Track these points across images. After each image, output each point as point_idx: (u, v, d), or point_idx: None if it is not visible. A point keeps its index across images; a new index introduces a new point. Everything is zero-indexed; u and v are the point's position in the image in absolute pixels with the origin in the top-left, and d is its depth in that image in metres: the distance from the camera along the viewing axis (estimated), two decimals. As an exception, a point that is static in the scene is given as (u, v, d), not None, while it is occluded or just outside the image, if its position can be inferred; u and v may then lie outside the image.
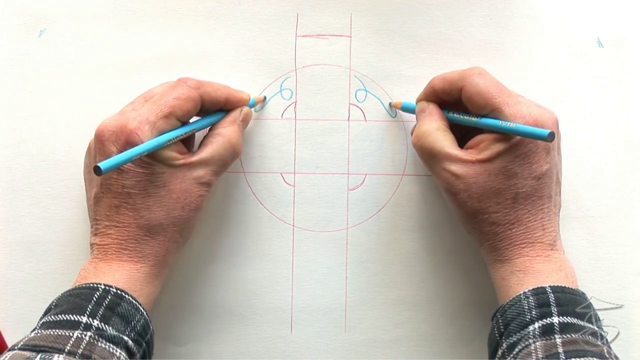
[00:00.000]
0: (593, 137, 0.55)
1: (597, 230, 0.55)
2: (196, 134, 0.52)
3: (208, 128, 0.51)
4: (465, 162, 0.47)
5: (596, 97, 0.55)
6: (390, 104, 0.56)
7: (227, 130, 0.50)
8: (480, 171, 0.47)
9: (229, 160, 0.50)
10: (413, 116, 0.54)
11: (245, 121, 0.52)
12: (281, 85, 0.56)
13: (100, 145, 0.47)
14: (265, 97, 0.56)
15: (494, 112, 0.47)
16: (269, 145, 0.56)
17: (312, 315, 0.56)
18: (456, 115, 0.50)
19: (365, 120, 0.56)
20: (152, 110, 0.47)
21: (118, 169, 0.46)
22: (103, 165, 0.43)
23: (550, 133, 0.44)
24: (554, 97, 0.55)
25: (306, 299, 0.56)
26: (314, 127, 0.56)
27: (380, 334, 0.56)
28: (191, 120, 0.50)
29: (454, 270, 0.56)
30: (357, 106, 0.56)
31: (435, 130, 0.49)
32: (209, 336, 0.56)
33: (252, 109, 0.54)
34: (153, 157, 0.47)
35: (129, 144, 0.46)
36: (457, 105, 0.50)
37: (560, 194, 0.50)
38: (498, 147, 0.47)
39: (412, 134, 0.54)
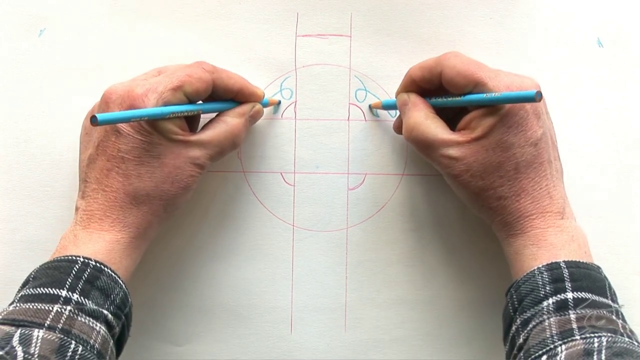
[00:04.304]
0: (593, 137, 0.55)
1: (597, 230, 0.55)
2: (202, 119, 0.52)
3: (215, 114, 0.51)
4: (460, 143, 0.47)
5: (596, 97, 0.55)
6: (369, 106, 0.55)
7: (233, 120, 0.51)
8: (478, 149, 0.47)
9: (227, 149, 0.50)
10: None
11: (254, 118, 0.52)
12: (281, 85, 0.56)
13: (104, 106, 0.47)
14: (279, 102, 0.55)
15: (477, 87, 0.47)
16: (269, 145, 0.56)
17: (312, 315, 0.56)
18: (440, 100, 0.50)
19: (365, 120, 0.56)
20: (162, 82, 0.47)
21: (116, 131, 0.47)
22: (101, 116, 0.43)
23: (537, 92, 0.44)
24: (553, 97, 0.55)
25: (306, 299, 0.56)
26: (314, 127, 0.56)
27: (380, 334, 0.56)
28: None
29: (454, 270, 0.56)
30: (357, 106, 0.56)
31: (424, 119, 0.49)
32: (208, 336, 0.56)
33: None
34: (153, 127, 0.47)
35: (132, 108, 0.46)
36: (438, 92, 0.50)
37: (559, 159, 0.50)
38: (489, 121, 0.46)
39: (394, 128, 0.54)
